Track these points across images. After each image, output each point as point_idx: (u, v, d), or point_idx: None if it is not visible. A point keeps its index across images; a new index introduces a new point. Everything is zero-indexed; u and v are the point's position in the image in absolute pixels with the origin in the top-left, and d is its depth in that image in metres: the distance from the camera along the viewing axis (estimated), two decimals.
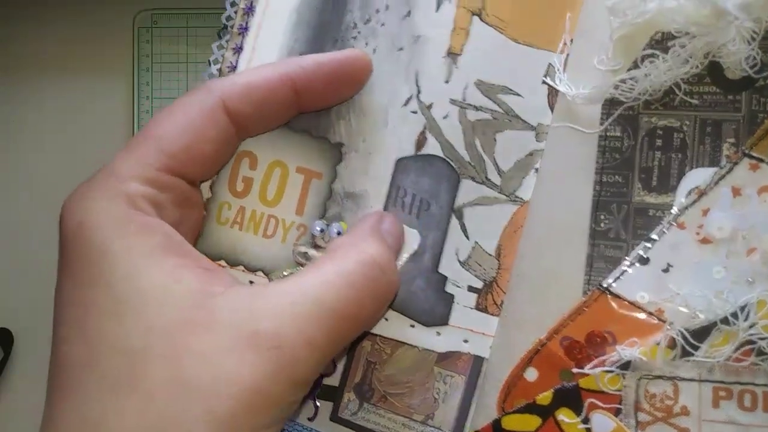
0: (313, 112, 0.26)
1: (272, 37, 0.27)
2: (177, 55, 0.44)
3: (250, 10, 0.29)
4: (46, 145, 0.47)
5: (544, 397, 0.23)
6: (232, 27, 0.29)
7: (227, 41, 0.29)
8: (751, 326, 0.20)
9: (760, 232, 0.21)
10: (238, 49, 0.29)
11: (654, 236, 0.22)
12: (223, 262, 0.26)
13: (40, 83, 0.47)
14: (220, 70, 0.29)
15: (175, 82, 0.46)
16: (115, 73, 0.46)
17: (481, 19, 0.26)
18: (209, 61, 0.30)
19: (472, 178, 0.25)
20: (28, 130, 0.47)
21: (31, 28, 0.46)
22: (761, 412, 0.20)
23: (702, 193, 0.22)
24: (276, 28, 0.27)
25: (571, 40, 0.25)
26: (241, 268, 0.26)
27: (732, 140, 0.22)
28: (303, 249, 0.26)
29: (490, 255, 0.25)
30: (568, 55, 0.25)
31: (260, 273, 0.26)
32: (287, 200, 0.26)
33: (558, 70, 0.25)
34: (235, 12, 0.29)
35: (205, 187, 0.27)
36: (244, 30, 0.29)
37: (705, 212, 0.21)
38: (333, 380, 0.27)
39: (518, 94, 0.25)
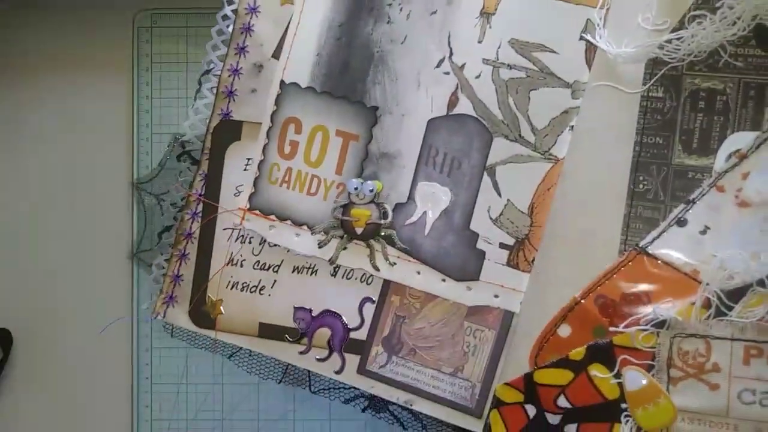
0: (350, 79, 0.26)
1: (314, 11, 0.26)
2: (176, 54, 0.44)
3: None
4: (46, 144, 0.47)
5: (577, 353, 0.23)
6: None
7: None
8: None
9: None
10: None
11: (693, 198, 0.22)
12: (273, 216, 0.27)
13: (40, 83, 0.47)
14: (236, 11, 0.28)
15: (175, 81, 0.46)
16: (114, 72, 0.46)
17: None
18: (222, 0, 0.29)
19: (505, 136, 0.25)
20: (28, 130, 0.47)
21: (31, 29, 0.47)
22: (763, 366, 0.21)
23: (743, 157, 0.22)
24: (317, 5, 0.26)
25: None
26: (289, 222, 0.27)
27: None
28: (339, 204, 0.26)
29: (522, 212, 0.25)
30: (608, 9, 0.24)
31: (305, 226, 0.27)
32: (328, 161, 0.26)
33: (598, 25, 0.24)
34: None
35: (257, 149, 0.26)
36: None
37: (745, 176, 0.22)
38: (360, 334, 0.27)
39: (554, 51, 0.25)
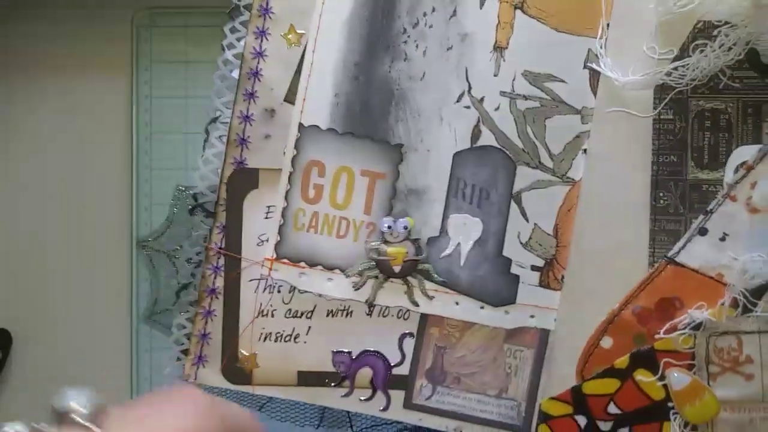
0: (371, 118, 0.26)
1: (327, 52, 0.26)
2: (176, 54, 0.44)
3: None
4: (45, 144, 0.47)
5: (622, 362, 0.25)
6: (248, 8, 0.27)
7: (243, 24, 0.27)
8: None
9: None
10: (261, 34, 0.27)
11: (710, 209, 0.24)
12: (302, 263, 0.26)
13: (40, 83, 0.47)
14: (242, 56, 0.27)
15: (174, 80, 0.46)
16: (114, 71, 0.46)
17: (524, 12, 0.26)
18: (223, 46, 0.28)
19: (527, 164, 0.26)
20: (27, 129, 0.47)
21: (31, 28, 0.46)
22: None
23: (750, 168, 0.24)
24: (331, 42, 0.26)
25: (608, 25, 0.26)
26: (320, 267, 0.26)
27: None
28: (374, 245, 0.26)
29: (548, 234, 0.27)
30: (606, 39, 0.26)
31: (337, 270, 0.26)
32: (355, 202, 0.26)
33: (600, 54, 0.26)
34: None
35: (279, 196, 0.26)
36: (264, 12, 0.27)
37: (753, 185, 0.24)
38: (402, 369, 0.27)
39: (562, 80, 0.26)
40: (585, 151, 0.26)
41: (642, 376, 0.24)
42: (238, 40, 0.27)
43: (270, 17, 0.27)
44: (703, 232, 0.24)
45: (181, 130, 0.47)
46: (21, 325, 0.47)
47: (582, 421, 0.25)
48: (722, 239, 0.24)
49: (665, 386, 0.24)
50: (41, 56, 0.47)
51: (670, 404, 0.24)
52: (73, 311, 0.46)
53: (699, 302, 0.24)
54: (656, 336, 0.24)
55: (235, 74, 0.27)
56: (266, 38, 0.27)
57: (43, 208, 0.48)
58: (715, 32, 0.25)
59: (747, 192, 0.24)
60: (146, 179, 0.48)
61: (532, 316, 0.26)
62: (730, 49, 0.24)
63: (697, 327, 0.24)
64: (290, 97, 0.27)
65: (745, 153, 0.25)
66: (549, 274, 0.26)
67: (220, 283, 0.27)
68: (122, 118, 0.47)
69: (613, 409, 0.25)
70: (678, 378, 0.24)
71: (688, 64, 0.24)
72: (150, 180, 0.48)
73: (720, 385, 0.24)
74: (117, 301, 0.43)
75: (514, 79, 0.26)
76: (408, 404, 0.27)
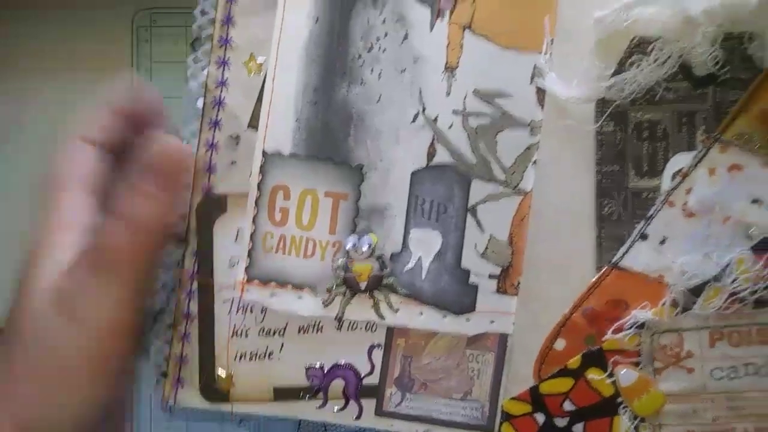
0: (332, 141, 0.27)
1: (287, 78, 0.27)
2: (176, 54, 0.42)
3: (228, 21, 0.28)
4: (45, 144, 0.42)
5: (574, 362, 0.27)
6: (209, 38, 0.28)
7: (205, 53, 0.28)
8: (733, 281, 0.25)
9: (732, 203, 0.26)
10: (222, 63, 0.28)
11: (649, 215, 0.26)
12: (273, 284, 0.27)
13: (39, 83, 0.46)
14: (206, 85, 0.28)
15: (174, 81, 0.42)
16: (114, 72, 0.43)
17: (472, 32, 0.28)
18: (188, 74, 0.29)
19: (481, 178, 0.28)
20: (27, 130, 0.46)
21: (30, 28, 0.46)
22: (746, 347, 0.25)
23: (685, 175, 0.26)
24: (290, 69, 0.27)
25: (552, 41, 0.28)
26: (289, 287, 0.27)
27: (704, 128, 0.26)
28: (341, 263, 0.27)
29: (504, 243, 0.28)
30: (551, 55, 0.28)
31: (306, 289, 0.28)
32: (320, 222, 0.27)
33: (545, 70, 0.27)
34: (211, 21, 0.28)
35: (247, 221, 0.27)
36: (225, 42, 0.28)
37: (688, 191, 0.26)
38: (372, 379, 0.29)
39: (511, 96, 0.28)
40: (535, 162, 0.28)
41: (593, 375, 0.26)
42: (202, 69, 0.28)
43: (231, 47, 0.28)
44: (644, 237, 0.26)
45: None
46: None
47: (540, 418, 0.27)
48: (662, 243, 0.26)
49: (614, 383, 0.26)
50: (41, 56, 0.46)
51: (619, 399, 0.26)
52: None
53: (643, 303, 0.26)
54: (606, 337, 0.26)
55: (200, 103, 0.28)
56: (228, 67, 0.28)
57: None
58: (650, 47, 0.26)
59: (683, 198, 0.26)
60: None
61: (491, 322, 0.28)
62: (664, 62, 0.26)
63: (642, 326, 0.26)
64: (254, 123, 0.28)
65: (680, 160, 0.26)
66: (506, 281, 0.28)
67: (194, 307, 0.28)
68: None
69: (568, 406, 0.27)
70: (626, 375, 0.26)
71: (626, 79, 0.26)
72: None
73: (664, 379, 0.26)
74: None
75: (465, 98, 0.28)
76: (379, 412, 0.29)
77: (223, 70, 0.28)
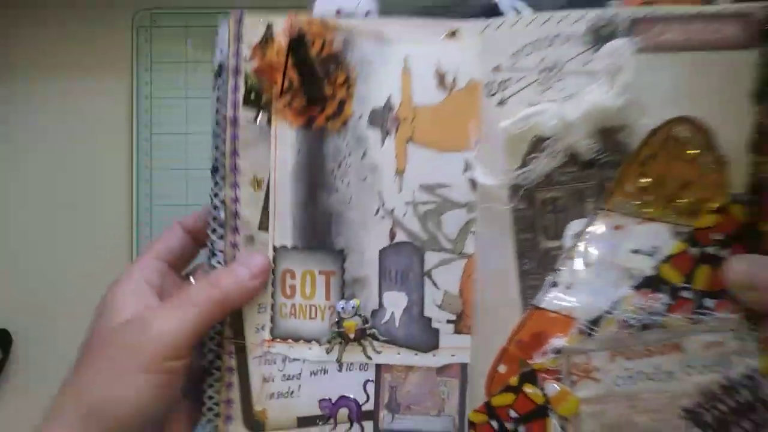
0: (320, 235, 0.37)
1: (284, 195, 0.37)
2: (176, 54, 0.41)
3: (234, 154, 0.38)
4: (45, 144, 0.45)
5: (514, 381, 0.36)
6: (224, 167, 0.39)
7: (223, 178, 0.39)
8: (622, 313, 0.34)
9: (617, 254, 0.35)
10: (234, 185, 0.38)
11: (557, 268, 0.35)
12: (290, 340, 0.37)
13: (40, 83, 0.45)
14: (224, 202, 0.39)
15: (175, 81, 0.43)
16: (114, 72, 0.44)
17: (413, 143, 0.37)
18: (210, 197, 0.39)
19: (432, 249, 0.38)
20: (27, 130, 0.45)
21: (31, 28, 0.44)
22: (637, 360, 0.34)
23: (579, 236, 0.35)
24: (284, 187, 0.37)
25: (476, 143, 0.37)
26: (302, 341, 0.37)
27: (592, 200, 0.35)
28: (335, 321, 0.37)
29: (456, 296, 0.38)
30: (476, 153, 0.37)
31: (313, 342, 0.37)
32: (318, 293, 0.37)
33: (473, 164, 0.37)
34: (223, 154, 0.38)
35: (268, 296, 0.37)
36: (234, 169, 0.38)
37: (584, 248, 0.35)
38: (369, 405, 0.38)
39: (449, 186, 0.38)
40: (473, 232, 0.37)
41: (528, 389, 0.36)
42: (220, 189, 0.39)
43: (239, 173, 0.39)
44: (554, 285, 0.35)
45: (181, 131, 0.45)
46: (21, 325, 0.45)
47: (495, 424, 0.36)
48: (569, 287, 0.35)
49: (544, 394, 0.35)
50: (41, 56, 0.45)
51: (548, 406, 0.35)
52: (73, 311, 0.43)
53: (558, 334, 0.35)
54: (533, 361, 0.35)
55: (221, 214, 0.39)
56: (239, 188, 0.39)
57: (43, 208, 0.45)
58: (544, 145, 0.35)
59: (581, 253, 0.35)
60: (146, 180, 0.46)
61: (452, 355, 0.38)
62: (556, 156, 0.35)
63: (559, 351, 0.35)
64: (263, 226, 0.39)
65: (576, 225, 0.35)
66: (461, 324, 0.38)
67: (233, 363, 0.39)
68: (122, 118, 0.44)
69: (513, 414, 0.36)
70: (551, 387, 0.35)
71: (529, 170, 0.35)
72: (150, 180, 0.46)
73: (579, 388, 0.35)
74: None
75: (413, 192, 0.37)
76: (376, 430, 0.38)
77: (236, 190, 0.38)
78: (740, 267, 0.31)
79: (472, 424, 0.37)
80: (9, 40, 0.45)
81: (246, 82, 0.37)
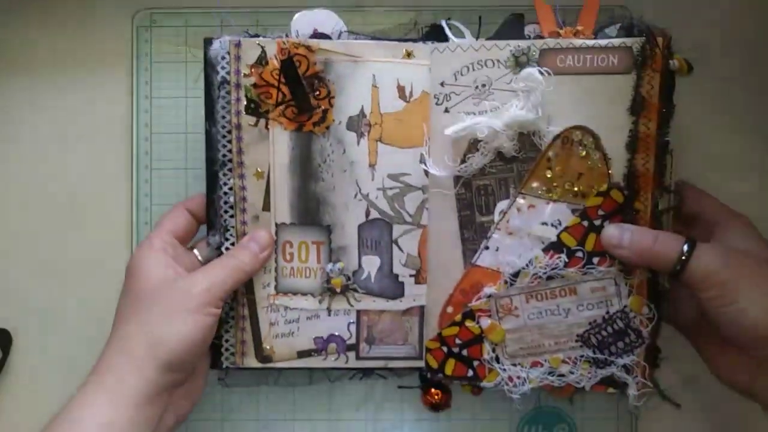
0: (311, 214, 0.49)
1: (282, 183, 0.48)
2: (176, 54, 0.41)
3: (240, 152, 0.49)
4: (45, 144, 0.44)
5: (458, 318, 0.49)
6: (231, 161, 0.49)
7: (231, 170, 0.49)
8: (534, 269, 0.47)
9: (531, 226, 0.48)
10: (241, 176, 0.49)
11: (488, 236, 0.48)
12: (290, 294, 0.49)
13: (39, 82, 0.44)
14: (233, 189, 0.49)
15: (175, 81, 0.43)
16: (114, 72, 0.44)
17: (382, 142, 0.49)
18: (219, 185, 0.50)
19: (398, 222, 0.50)
20: (26, 130, 0.45)
21: (30, 28, 0.44)
22: (545, 301, 0.48)
23: (504, 213, 0.48)
24: (282, 178, 0.48)
25: (428, 139, 0.49)
26: (299, 294, 0.48)
27: (513, 186, 0.48)
28: (325, 279, 0.49)
29: (416, 257, 0.50)
30: (429, 147, 0.49)
31: (309, 295, 0.49)
32: (312, 258, 0.49)
33: (426, 158, 0.49)
34: (229, 151, 0.49)
35: (272, 261, 0.48)
36: (240, 164, 0.49)
37: (507, 221, 0.48)
38: (352, 340, 0.51)
39: (409, 174, 0.49)
40: (427, 209, 0.50)
41: (468, 323, 0.49)
42: (229, 180, 0.50)
43: (244, 166, 0.49)
44: (487, 248, 0.48)
45: (181, 130, 0.45)
46: (21, 325, 0.44)
47: (445, 349, 0.50)
48: (497, 250, 0.48)
49: (480, 326, 0.49)
50: (41, 56, 0.44)
51: (483, 335, 0.49)
52: (73, 311, 0.44)
53: (489, 284, 0.48)
54: (472, 303, 0.49)
55: (231, 199, 0.50)
56: (245, 178, 0.49)
57: (43, 208, 0.44)
58: (479, 146, 0.48)
59: (505, 225, 0.48)
60: (146, 179, 0.46)
61: (414, 300, 0.50)
62: (487, 154, 0.47)
63: (490, 296, 0.48)
64: (266, 207, 0.50)
65: (501, 205, 0.48)
66: (419, 277, 0.50)
67: (246, 312, 0.51)
68: (122, 118, 0.43)
69: (457, 341, 0.50)
70: (484, 322, 0.49)
71: (468, 165, 0.48)
72: (150, 180, 0.47)
73: (504, 322, 0.48)
74: (117, 300, 0.41)
75: (383, 179, 0.49)
76: (358, 357, 0.51)
77: (242, 179, 0.49)
78: (611, 231, 0.45)
79: (428, 349, 0.50)
80: (8, 39, 0.44)
81: (246, 95, 0.48)
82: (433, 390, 0.51)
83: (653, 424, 0.51)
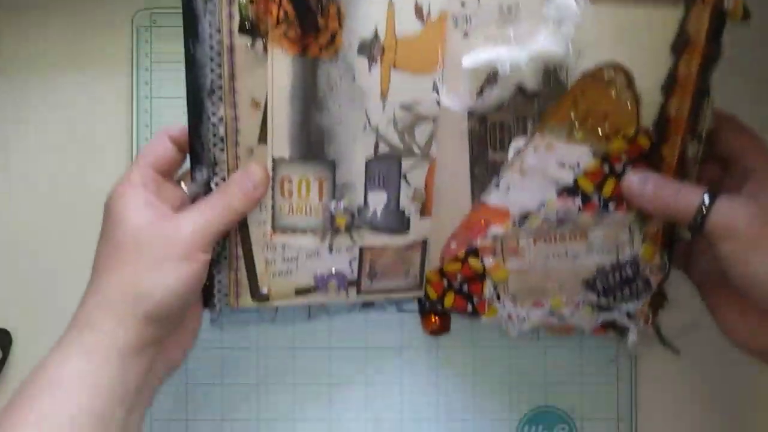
0: (315, 148, 0.44)
1: (281, 113, 0.42)
2: (176, 54, 0.41)
3: (232, 77, 0.43)
4: (44, 144, 0.46)
5: (461, 254, 0.48)
6: (220, 88, 0.43)
7: (221, 98, 0.43)
8: (546, 212, 0.47)
9: (547, 167, 0.46)
10: (233, 104, 0.43)
11: (500, 173, 0.46)
12: (289, 232, 0.45)
13: (39, 83, 0.45)
14: (224, 119, 0.44)
15: (175, 81, 0.43)
16: (114, 72, 0.45)
17: (395, 68, 0.44)
18: (209, 114, 0.44)
19: (407, 157, 0.47)
20: (27, 129, 0.46)
21: (30, 28, 0.44)
22: (550, 244, 0.47)
23: (520, 150, 0.46)
24: (281, 107, 0.42)
25: (443, 66, 0.45)
26: (299, 232, 0.45)
27: (531, 123, 0.45)
28: (328, 217, 0.46)
29: (421, 190, 0.48)
30: (443, 75, 0.45)
31: (309, 232, 0.46)
32: (313, 195, 0.45)
33: (439, 86, 0.45)
34: (219, 76, 0.43)
35: (268, 197, 0.44)
36: (233, 91, 0.43)
37: (522, 160, 0.46)
38: (353, 276, 0.50)
39: (421, 103, 0.46)
40: (437, 140, 0.47)
41: (472, 261, 0.48)
42: (218, 109, 0.43)
43: (237, 93, 0.43)
44: (497, 186, 0.47)
45: None
46: (21, 325, 0.45)
47: (445, 282, 0.50)
48: (507, 189, 0.47)
49: (483, 265, 0.49)
50: (40, 56, 0.45)
51: (486, 273, 0.49)
52: (73, 311, 0.42)
53: (496, 223, 0.47)
54: (477, 241, 0.48)
55: (221, 130, 0.44)
56: (237, 107, 0.43)
57: (43, 207, 0.46)
58: (499, 78, 0.44)
59: (519, 164, 0.46)
60: None
61: (419, 234, 0.49)
62: (507, 88, 0.44)
63: (496, 237, 0.48)
64: (262, 140, 0.45)
65: (517, 143, 0.46)
66: (425, 209, 0.48)
67: (240, 251, 0.47)
68: (122, 119, 0.45)
69: (459, 277, 0.49)
70: (488, 260, 0.48)
71: (485, 98, 0.44)
72: None
73: (508, 262, 0.48)
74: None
75: (394, 110, 0.45)
76: (359, 291, 0.50)
77: (235, 108, 0.43)
78: (632, 179, 0.44)
79: (428, 280, 0.50)
80: (8, 39, 0.44)
81: (240, 12, 0.40)
82: (432, 316, 0.51)
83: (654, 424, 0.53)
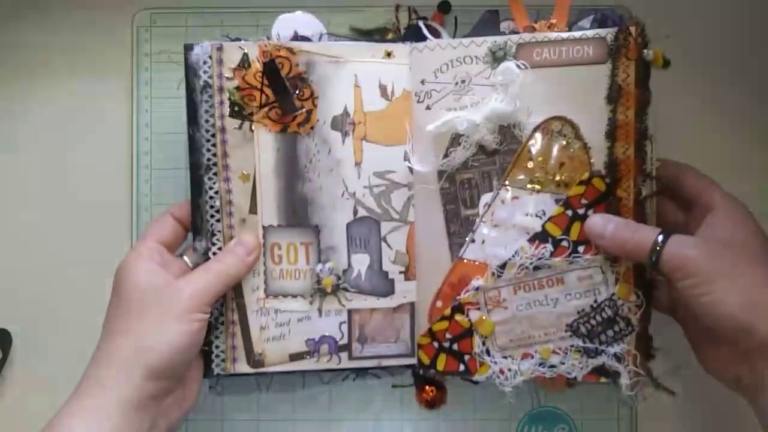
0: (299, 215, 0.49)
1: (268, 185, 0.48)
2: (176, 54, 0.41)
3: (225, 155, 0.49)
4: (45, 144, 0.45)
5: (447, 312, 0.50)
6: (216, 165, 0.49)
7: (216, 174, 0.50)
8: (520, 259, 0.48)
9: (514, 217, 0.48)
10: (227, 179, 0.49)
11: (474, 229, 0.49)
12: (280, 296, 0.49)
13: (39, 83, 0.44)
14: (219, 193, 0.50)
15: (175, 81, 0.43)
16: (114, 72, 0.44)
17: (367, 141, 0.49)
18: (205, 189, 0.50)
19: (386, 220, 0.50)
20: (26, 129, 0.45)
21: (30, 28, 0.44)
22: (532, 291, 0.48)
23: (488, 205, 0.49)
24: (268, 179, 0.48)
25: (411, 136, 0.50)
26: (289, 296, 0.49)
27: (496, 178, 0.49)
28: (315, 280, 0.49)
29: (404, 254, 0.51)
30: (412, 144, 0.50)
31: (299, 297, 0.49)
32: (300, 259, 0.49)
33: (410, 155, 0.50)
34: (214, 155, 0.49)
35: (261, 264, 0.48)
36: (226, 167, 0.49)
37: (492, 213, 0.49)
38: (344, 341, 0.51)
39: (395, 171, 0.50)
40: (413, 205, 0.50)
41: (458, 317, 0.49)
42: (215, 183, 0.50)
43: (229, 169, 0.49)
44: (473, 241, 0.49)
45: (181, 130, 0.45)
46: (21, 325, 0.45)
47: (436, 345, 0.50)
48: (483, 243, 0.49)
49: (469, 320, 0.49)
50: (41, 56, 0.44)
51: (473, 328, 0.49)
52: (73, 311, 0.44)
53: (477, 276, 0.49)
54: (460, 296, 0.49)
55: (217, 203, 0.50)
56: (230, 181, 0.50)
57: (43, 207, 0.45)
58: (460, 140, 0.48)
59: (490, 217, 0.49)
60: (146, 179, 0.47)
61: (404, 297, 0.51)
62: (469, 148, 0.48)
63: (477, 288, 0.49)
64: (252, 210, 0.50)
65: (486, 198, 0.49)
66: (408, 273, 0.51)
67: (236, 317, 0.50)
68: (122, 118, 0.44)
69: (448, 335, 0.50)
70: (473, 315, 0.49)
71: (450, 159, 0.48)
72: (150, 180, 0.47)
73: (493, 314, 0.49)
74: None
75: (369, 177, 0.50)
76: (351, 358, 0.51)
77: (228, 182, 0.49)
78: (594, 221, 0.46)
79: (419, 346, 0.51)
80: (8, 39, 0.44)
81: (230, 99, 0.48)
82: (427, 387, 0.51)
83: (654, 423, 0.51)
